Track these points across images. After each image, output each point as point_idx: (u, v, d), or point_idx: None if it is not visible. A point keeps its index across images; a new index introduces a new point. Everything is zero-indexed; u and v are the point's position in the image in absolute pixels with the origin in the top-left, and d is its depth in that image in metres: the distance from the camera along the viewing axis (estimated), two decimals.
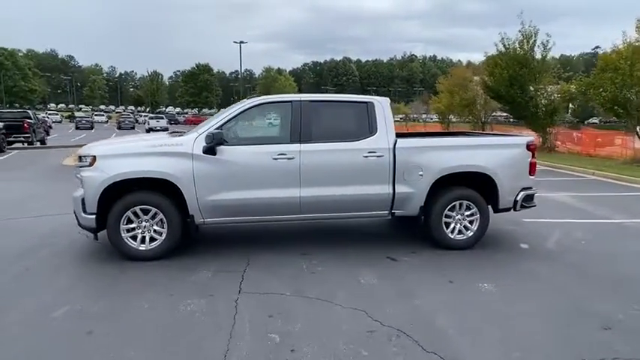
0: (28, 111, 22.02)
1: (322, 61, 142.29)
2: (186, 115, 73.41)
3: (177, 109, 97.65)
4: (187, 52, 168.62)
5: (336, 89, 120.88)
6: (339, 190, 5.17)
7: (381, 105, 5.38)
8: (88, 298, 4.01)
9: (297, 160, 5.04)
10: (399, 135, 5.48)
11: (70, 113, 70.91)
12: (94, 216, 4.80)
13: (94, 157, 4.84)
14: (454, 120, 35.57)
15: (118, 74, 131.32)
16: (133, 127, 46.01)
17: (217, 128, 4.99)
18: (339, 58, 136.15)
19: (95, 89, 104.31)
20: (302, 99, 5.29)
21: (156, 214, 4.91)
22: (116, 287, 4.28)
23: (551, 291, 4.27)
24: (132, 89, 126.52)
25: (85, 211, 4.82)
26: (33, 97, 79.36)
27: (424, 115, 54.10)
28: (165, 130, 33.53)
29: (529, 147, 5.59)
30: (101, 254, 5.10)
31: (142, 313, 3.70)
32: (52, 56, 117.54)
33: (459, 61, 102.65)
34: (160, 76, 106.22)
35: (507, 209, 5.65)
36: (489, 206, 5.62)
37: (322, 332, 3.37)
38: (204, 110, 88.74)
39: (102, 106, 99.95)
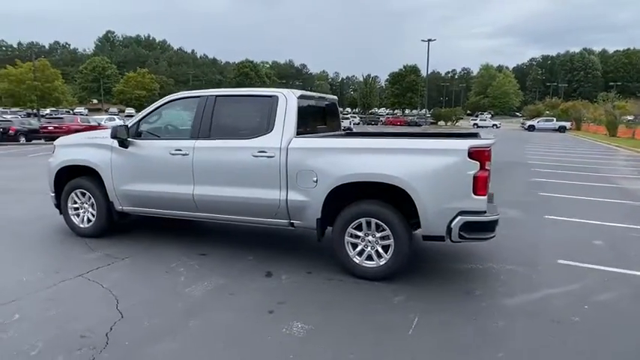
0: None
1: (555, 54, 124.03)
2: (388, 116, 75.64)
3: (388, 110, 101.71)
4: (406, 55, 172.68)
5: (567, 86, 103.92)
6: (231, 191, 4.76)
7: (285, 100, 4.67)
8: None
9: (190, 156, 4.90)
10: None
11: None
12: (53, 194, 5.79)
13: (54, 146, 5.84)
14: None
15: (340, 79, 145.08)
16: None
17: (135, 123, 5.30)
18: (576, 49, 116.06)
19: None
20: (210, 94, 5.07)
21: (89, 197, 5.58)
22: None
23: None
24: (351, 92, 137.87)
25: (50, 191, 5.85)
26: None
27: None
28: (348, 129, 35.72)
29: (473, 154, 3.92)
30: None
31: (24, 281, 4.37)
32: (290, 65, 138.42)
33: None
34: (375, 79, 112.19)
35: (438, 238, 4.11)
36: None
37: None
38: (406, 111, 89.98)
39: None
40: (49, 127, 24.35)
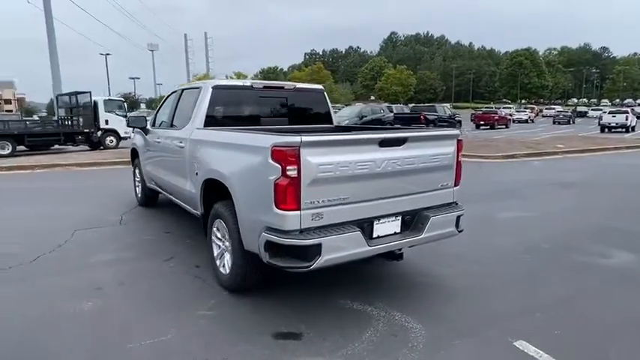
0: (435, 105, 25.79)
1: None
2: None
3: None
4: None
5: None
6: (171, 179, 5.11)
7: (204, 90, 4.58)
8: None
9: (161, 143, 5.46)
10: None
11: (573, 108, 69.25)
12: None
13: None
14: None
15: None
16: (568, 122, 41.68)
17: (154, 114, 6.25)
18: None
19: (619, 81, 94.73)
20: (180, 88, 5.47)
21: (135, 174, 7.04)
22: None
23: None
24: None
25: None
26: (544, 93, 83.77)
27: None
28: (623, 127, 27.95)
29: (274, 155, 2.95)
30: None
31: None
32: (584, 50, 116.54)
33: None
34: None
35: (257, 257, 3.30)
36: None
37: None
38: None
39: (617, 100, 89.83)
40: None
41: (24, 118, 18.09)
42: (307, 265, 2.98)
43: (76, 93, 18.08)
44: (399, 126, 15.47)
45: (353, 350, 2.94)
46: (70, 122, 18.07)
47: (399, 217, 3.49)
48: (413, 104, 43.69)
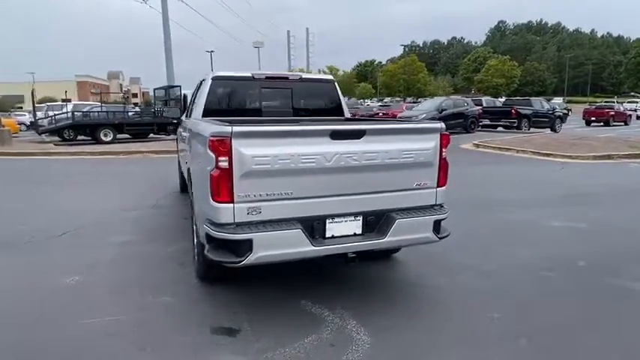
0: (531, 98, 23.31)
1: None
2: None
3: None
4: None
5: None
6: (184, 167, 5.31)
7: (206, 81, 4.80)
8: None
9: (182, 134, 5.69)
10: None
11: None
12: None
13: None
14: None
15: None
16: None
17: (189, 105, 6.53)
18: None
19: None
20: (201, 79, 5.57)
21: None
22: None
23: None
24: None
25: None
26: None
27: None
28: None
29: (211, 145, 2.86)
30: None
31: None
32: None
33: None
34: None
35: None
36: None
37: None
38: None
39: None
40: (380, 114, 28.82)
41: (125, 109, 20.21)
42: (238, 260, 2.87)
43: (169, 87, 19.76)
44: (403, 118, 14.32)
45: (279, 355, 2.77)
46: (162, 113, 19.84)
47: (360, 218, 3.19)
48: (516, 98, 40.20)
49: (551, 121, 22.49)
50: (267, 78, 4.81)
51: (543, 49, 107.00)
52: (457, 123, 19.79)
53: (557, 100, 52.71)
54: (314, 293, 3.62)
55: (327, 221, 3.10)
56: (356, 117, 5.79)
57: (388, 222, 3.20)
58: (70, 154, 13.30)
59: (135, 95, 74.81)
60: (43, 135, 18.35)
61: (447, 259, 4.39)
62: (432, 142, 3.30)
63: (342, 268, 4.10)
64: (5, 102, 46.14)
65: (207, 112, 4.54)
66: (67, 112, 18.94)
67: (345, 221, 3.15)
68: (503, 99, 29.58)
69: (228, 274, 3.67)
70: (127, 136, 18.51)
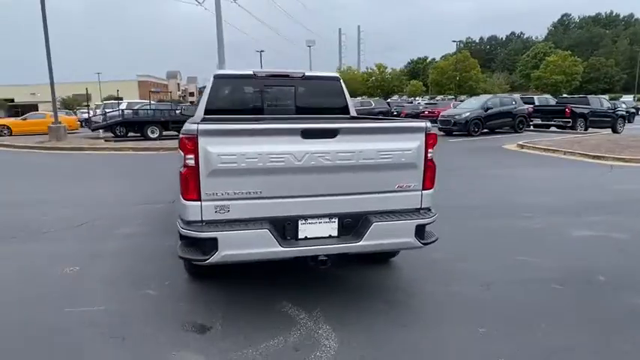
0: (588, 96, 21.59)
1: None
2: None
3: None
4: None
5: None
6: None
7: (210, 79, 4.78)
8: None
9: None
10: None
11: None
12: None
13: None
14: None
15: None
16: None
17: None
18: None
19: None
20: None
21: None
22: None
23: None
24: None
25: None
26: None
27: None
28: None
29: (180, 143, 2.88)
30: None
31: None
32: None
33: None
34: None
35: None
36: None
37: None
38: None
39: None
40: (426, 112, 28.09)
41: (171, 107, 21.02)
42: (204, 258, 2.86)
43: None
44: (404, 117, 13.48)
45: (241, 355, 2.73)
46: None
47: (335, 219, 3.07)
48: (579, 96, 37.67)
49: (612, 120, 20.75)
50: (269, 76, 4.77)
51: (613, 43, 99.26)
52: (504, 122, 18.86)
53: (627, 98, 48.66)
54: (297, 295, 3.55)
55: (300, 222, 3.01)
56: (364, 116, 5.61)
57: (365, 225, 3.06)
58: (115, 149, 14.08)
59: (192, 94, 78.62)
60: (100, 131, 19.54)
61: (448, 267, 4.15)
62: (414, 142, 3.11)
63: (336, 270, 3.98)
64: (76, 100, 50.08)
65: (209, 111, 4.57)
66: (118, 110, 20.04)
67: (320, 223, 3.05)
68: (546, 96, 27.82)
69: (215, 270, 3.68)
70: (174, 133, 19.28)
